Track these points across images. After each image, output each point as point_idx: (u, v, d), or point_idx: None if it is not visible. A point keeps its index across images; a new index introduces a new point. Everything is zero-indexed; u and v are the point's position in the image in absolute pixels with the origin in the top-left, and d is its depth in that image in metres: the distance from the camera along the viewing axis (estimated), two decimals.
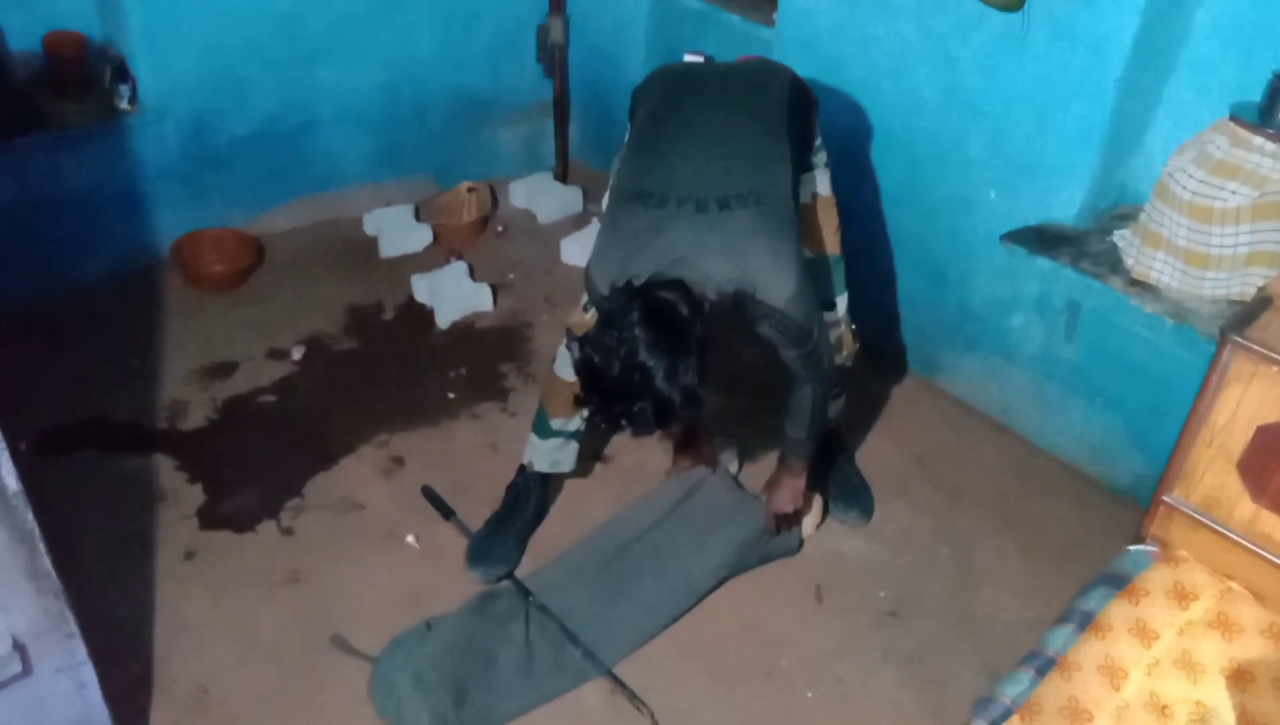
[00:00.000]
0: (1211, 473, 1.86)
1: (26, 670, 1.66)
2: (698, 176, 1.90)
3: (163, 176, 3.12)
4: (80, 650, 1.73)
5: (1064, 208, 2.47)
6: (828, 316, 2.25)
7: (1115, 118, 2.34)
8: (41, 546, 1.58)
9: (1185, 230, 2.20)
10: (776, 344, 1.96)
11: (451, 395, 2.84)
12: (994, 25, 2.43)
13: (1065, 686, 1.69)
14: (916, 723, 2.08)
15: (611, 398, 1.79)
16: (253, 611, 2.22)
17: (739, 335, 1.99)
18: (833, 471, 2.56)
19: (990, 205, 2.59)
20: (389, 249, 3.38)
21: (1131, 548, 1.97)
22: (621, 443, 2.67)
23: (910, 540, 2.48)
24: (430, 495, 2.50)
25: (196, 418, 2.71)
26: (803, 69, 2.28)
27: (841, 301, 2.29)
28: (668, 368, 1.74)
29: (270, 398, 2.79)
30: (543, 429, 2.36)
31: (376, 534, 2.42)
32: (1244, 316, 1.81)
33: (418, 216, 3.50)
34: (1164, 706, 1.66)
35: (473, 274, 3.27)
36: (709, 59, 2.88)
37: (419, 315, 3.13)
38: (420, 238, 3.43)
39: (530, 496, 2.43)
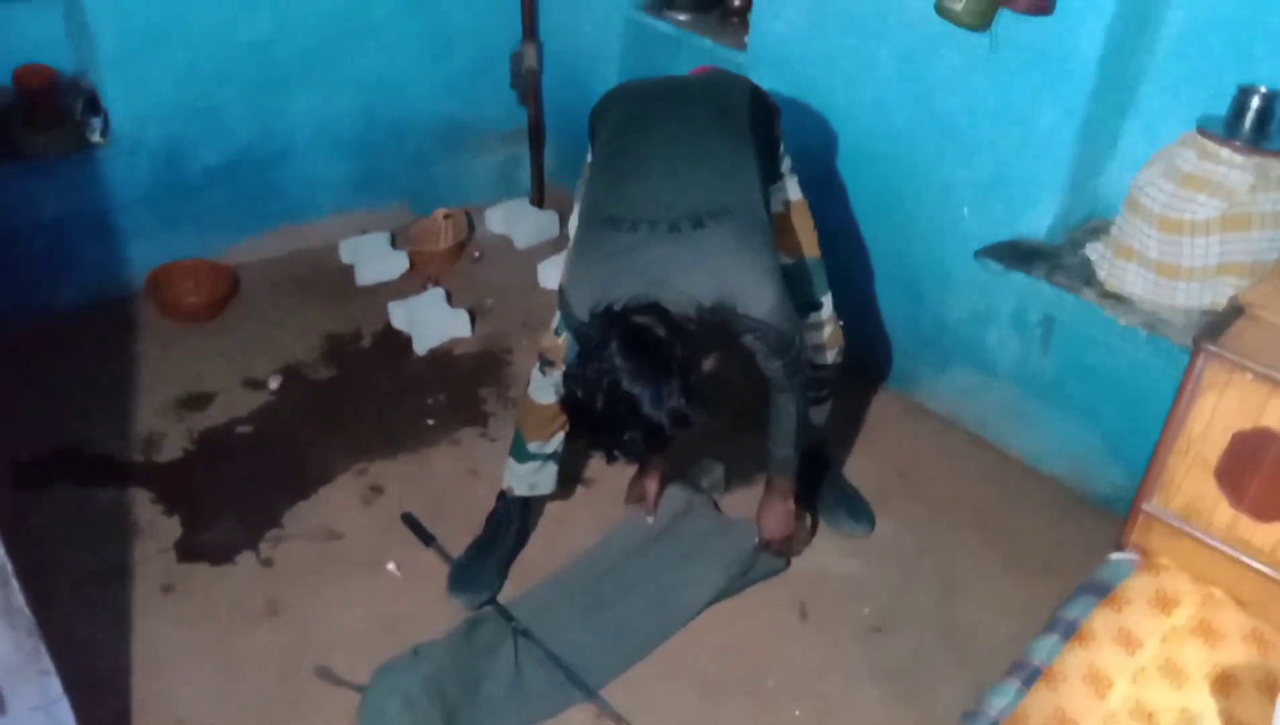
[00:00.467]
0: (1190, 480, 1.87)
1: (0, 709, 1.63)
2: (666, 196, 1.89)
3: (136, 206, 3.10)
4: (55, 688, 1.69)
5: (1036, 222, 2.49)
6: (815, 316, 2.26)
7: (1084, 133, 2.37)
8: (15, 582, 1.57)
9: (1156, 242, 2.23)
10: (759, 354, 1.97)
11: (431, 422, 2.82)
12: (962, 44, 2.45)
13: (1051, 697, 1.69)
14: None
15: (601, 430, 1.80)
16: (233, 644, 2.19)
17: (719, 349, 2.00)
18: (826, 486, 2.56)
19: (964, 221, 2.61)
20: (365, 277, 3.37)
21: (1113, 556, 1.97)
22: (602, 466, 2.65)
23: (893, 555, 2.48)
24: (411, 522, 2.49)
25: (173, 449, 2.68)
26: (775, 90, 2.30)
27: (827, 300, 2.29)
28: (653, 394, 1.74)
29: (247, 428, 2.77)
30: (520, 453, 2.36)
31: (357, 562, 2.40)
32: (1217, 325, 1.83)
33: (394, 244, 3.50)
34: (1150, 714, 1.66)
35: (450, 300, 3.26)
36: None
37: (397, 342, 3.12)
38: (397, 265, 3.42)
39: (511, 522, 2.42)
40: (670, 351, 1.77)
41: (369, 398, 2.90)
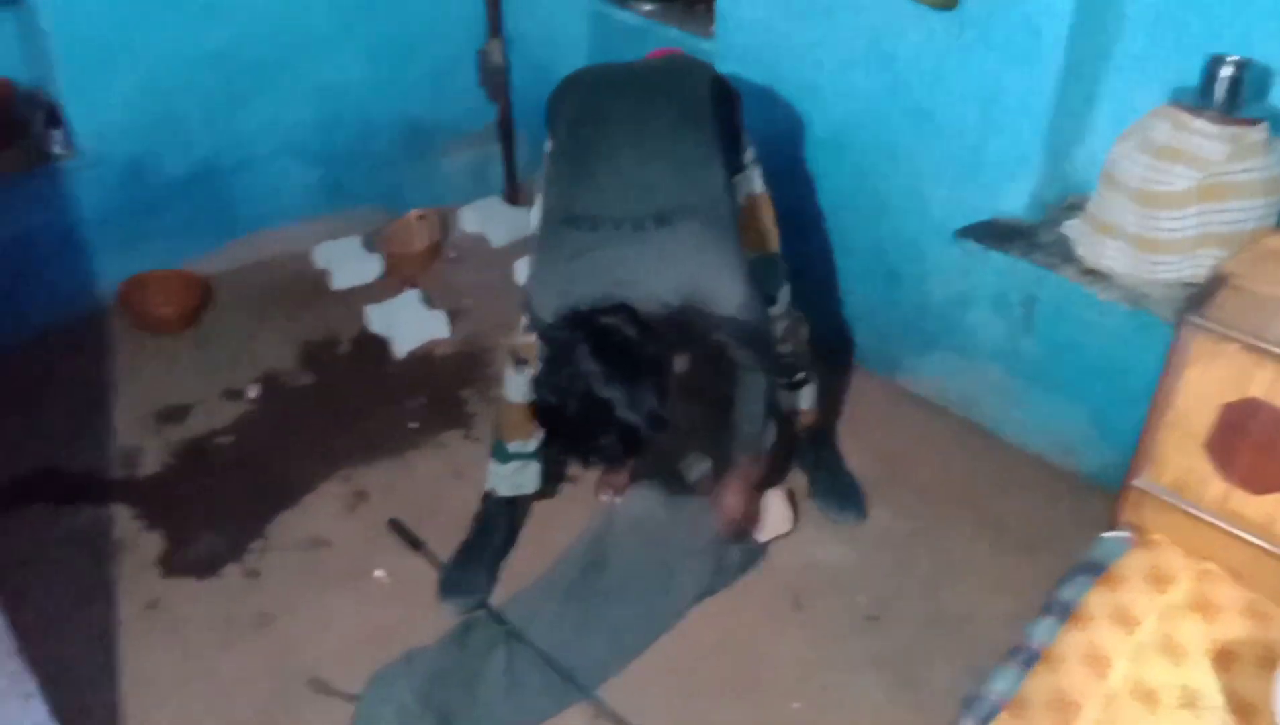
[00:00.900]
0: (1179, 455, 1.87)
1: None
2: (629, 193, 1.87)
3: (103, 220, 3.05)
4: (40, 710, 1.66)
5: (1013, 201, 2.49)
6: (772, 311, 2.24)
7: (1056, 109, 2.36)
8: None
9: (1134, 216, 2.22)
10: (729, 346, 1.95)
11: (413, 425, 2.79)
12: (930, 24, 2.44)
13: (1051, 679, 1.69)
14: None
15: (577, 437, 1.77)
16: (221, 658, 2.16)
17: (688, 349, 1.98)
18: (822, 472, 2.54)
19: (940, 203, 2.60)
20: (340, 281, 3.34)
21: (1105, 535, 1.96)
22: None
23: (884, 542, 2.47)
24: (398, 527, 2.46)
25: (152, 463, 2.64)
26: (744, 78, 2.28)
27: (782, 295, 2.29)
28: (626, 397, 1.71)
29: (227, 439, 2.73)
30: (501, 454, 2.34)
31: (345, 571, 2.37)
32: (1200, 297, 1.82)
33: (368, 247, 3.46)
34: (1150, 692, 1.66)
35: (427, 302, 3.23)
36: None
37: (375, 346, 3.09)
38: (371, 268, 3.39)
39: (498, 524, 2.40)
40: (641, 352, 1.74)
41: (349, 403, 2.87)
